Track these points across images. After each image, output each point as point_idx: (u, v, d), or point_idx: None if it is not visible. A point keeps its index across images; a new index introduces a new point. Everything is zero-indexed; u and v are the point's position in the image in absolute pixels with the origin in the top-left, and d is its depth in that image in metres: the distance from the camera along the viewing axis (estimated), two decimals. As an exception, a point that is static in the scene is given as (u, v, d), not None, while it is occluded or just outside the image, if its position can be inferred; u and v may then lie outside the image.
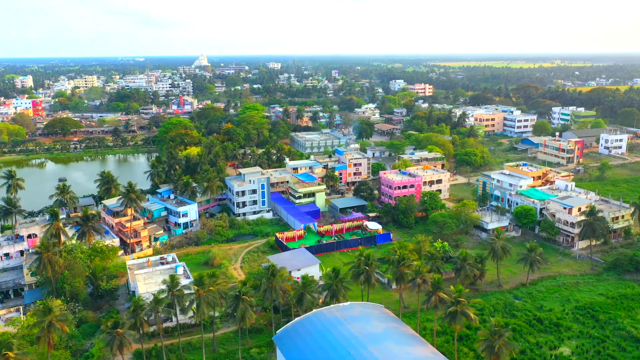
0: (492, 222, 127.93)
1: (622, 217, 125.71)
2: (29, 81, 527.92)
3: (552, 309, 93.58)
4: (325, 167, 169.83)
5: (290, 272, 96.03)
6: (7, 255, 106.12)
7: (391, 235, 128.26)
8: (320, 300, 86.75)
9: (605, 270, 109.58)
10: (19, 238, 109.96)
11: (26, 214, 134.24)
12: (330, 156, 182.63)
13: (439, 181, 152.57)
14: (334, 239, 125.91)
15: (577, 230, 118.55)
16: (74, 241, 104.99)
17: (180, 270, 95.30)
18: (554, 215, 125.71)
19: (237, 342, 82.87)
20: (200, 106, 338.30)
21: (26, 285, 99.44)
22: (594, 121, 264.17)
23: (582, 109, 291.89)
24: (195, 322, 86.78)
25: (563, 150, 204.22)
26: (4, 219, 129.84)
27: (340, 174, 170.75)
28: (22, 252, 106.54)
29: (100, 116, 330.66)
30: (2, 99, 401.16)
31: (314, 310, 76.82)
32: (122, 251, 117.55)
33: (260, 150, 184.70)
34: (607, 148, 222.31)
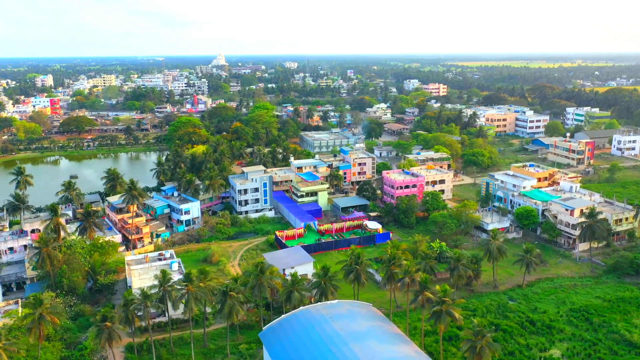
0: (493, 222, 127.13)
1: (626, 219, 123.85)
2: (49, 80, 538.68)
3: (546, 310, 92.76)
4: (330, 166, 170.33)
5: (283, 269, 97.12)
6: (11, 249, 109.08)
7: (390, 234, 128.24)
8: (313, 299, 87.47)
9: (605, 273, 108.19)
10: (23, 233, 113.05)
11: (34, 210, 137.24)
12: (335, 155, 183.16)
13: (442, 181, 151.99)
14: (334, 238, 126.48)
15: (578, 232, 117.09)
16: (74, 237, 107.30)
17: (175, 267, 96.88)
18: (556, 217, 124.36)
19: (230, 339, 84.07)
20: (213, 105, 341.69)
21: (28, 278, 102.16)
22: (608, 122, 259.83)
23: (596, 110, 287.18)
24: (187, 318, 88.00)
25: (573, 152, 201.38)
26: (13, 215, 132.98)
27: (345, 173, 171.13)
28: (25, 247, 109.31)
29: (116, 115, 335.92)
30: (22, 97, 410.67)
31: (301, 307, 77.53)
32: (124, 247, 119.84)
33: (266, 149, 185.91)
34: (620, 149, 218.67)
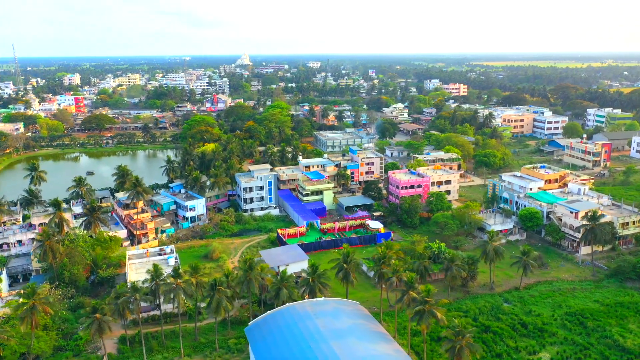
0: (496, 224, 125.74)
1: (633, 223, 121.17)
2: (76, 79, 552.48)
3: (541, 314, 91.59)
4: (338, 165, 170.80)
5: (278, 266, 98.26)
6: (20, 242, 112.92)
7: (392, 234, 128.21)
8: (307, 296, 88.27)
9: (607, 277, 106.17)
10: (31, 226, 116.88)
11: (47, 205, 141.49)
12: (344, 155, 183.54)
13: (448, 182, 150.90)
14: (336, 237, 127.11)
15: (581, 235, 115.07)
16: (77, 231, 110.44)
17: (171, 262, 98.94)
18: (561, 219, 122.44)
19: (220, 333, 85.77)
20: (232, 104, 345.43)
21: (33, 270, 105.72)
22: (629, 123, 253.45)
23: (618, 111, 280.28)
24: (181, 312, 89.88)
25: (589, 153, 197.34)
26: (27, 209, 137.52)
27: (352, 172, 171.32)
28: (33, 240, 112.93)
29: (137, 113, 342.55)
30: (50, 95, 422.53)
31: (287, 304, 78.56)
32: (129, 242, 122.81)
33: (276, 148, 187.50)
34: (639, 152, 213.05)
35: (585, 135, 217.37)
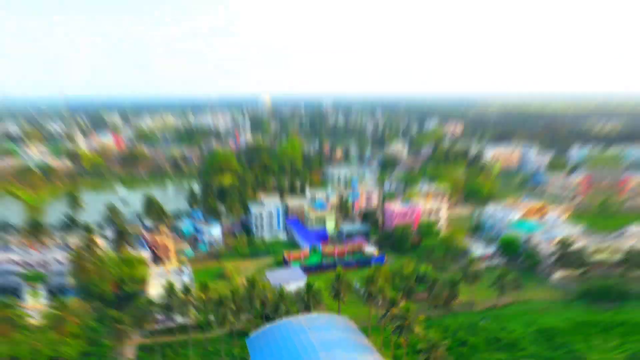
0: (479, 250, 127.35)
1: (604, 249, 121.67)
2: (116, 118, 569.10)
3: (514, 330, 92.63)
4: (341, 196, 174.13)
5: (280, 285, 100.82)
6: (58, 261, 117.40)
7: (385, 258, 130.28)
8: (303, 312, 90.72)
9: (577, 298, 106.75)
10: (68, 247, 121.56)
11: (84, 229, 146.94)
12: (346, 187, 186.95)
13: (437, 212, 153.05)
14: (335, 259, 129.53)
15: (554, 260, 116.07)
16: (107, 252, 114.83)
17: (186, 279, 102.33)
18: (537, 246, 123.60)
19: (227, 343, 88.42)
20: (252, 141, 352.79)
21: (69, 286, 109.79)
22: (610, 158, 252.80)
23: (602, 147, 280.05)
24: (192, 324, 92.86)
25: (569, 187, 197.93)
26: (67, 232, 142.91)
27: (353, 202, 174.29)
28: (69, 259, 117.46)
29: (169, 148, 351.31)
30: (93, 132, 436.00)
31: (285, 318, 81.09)
32: (153, 262, 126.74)
33: (287, 181, 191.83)
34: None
35: (567, 170, 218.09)
